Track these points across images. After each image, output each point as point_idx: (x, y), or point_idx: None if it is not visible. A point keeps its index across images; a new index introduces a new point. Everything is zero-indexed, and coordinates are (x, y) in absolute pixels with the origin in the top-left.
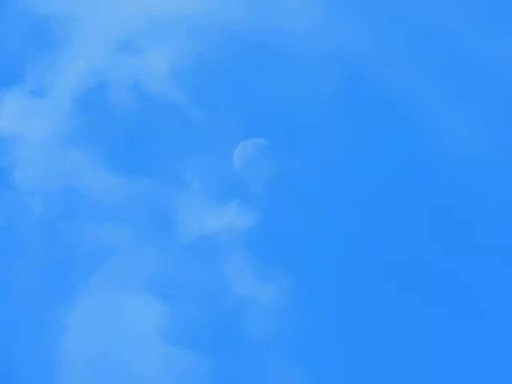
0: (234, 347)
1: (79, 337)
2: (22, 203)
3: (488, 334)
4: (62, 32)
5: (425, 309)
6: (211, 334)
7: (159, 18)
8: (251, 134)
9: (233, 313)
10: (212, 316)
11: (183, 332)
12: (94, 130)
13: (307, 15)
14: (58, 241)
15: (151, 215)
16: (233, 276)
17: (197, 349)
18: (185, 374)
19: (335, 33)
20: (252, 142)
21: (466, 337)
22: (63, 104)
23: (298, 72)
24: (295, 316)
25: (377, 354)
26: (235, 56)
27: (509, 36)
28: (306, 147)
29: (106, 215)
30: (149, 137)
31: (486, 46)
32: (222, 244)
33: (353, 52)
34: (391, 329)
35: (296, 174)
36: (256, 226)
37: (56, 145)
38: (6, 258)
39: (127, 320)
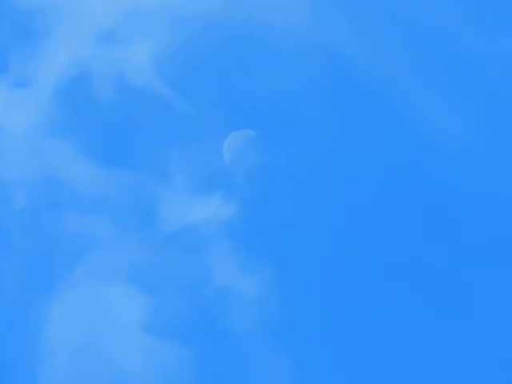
0: (216, 338)
1: (62, 328)
2: (5, 194)
3: (485, 334)
4: (44, 23)
5: (410, 296)
6: (194, 325)
7: (142, 8)
8: (235, 125)
9: (216, 304)
10: (195, 307)
11: (166, 323)
12: (77, 121)
13: (292, 6)
14: (41, 232)
15: (134, 206)
16: (216, 267)
17: (179, 340)
18: (167, 365)
19: (320, 24)
20: (241, 133)
21: (459, 337)
22: (46, 95)
23: (282, 63)
24: (278, 307)
25: (361, 345)
26: (219, 47)
27: (501, 30)
28: (291, 139)
29: (89, 207)
30: (132, 128)
31: (476, 38)
32: (205, 235)
33: (338, 43)
34: (375, 318)
35: (281, 166)
36: (239, 218)
37: (39, 136)
38: None
39: (110, 311)
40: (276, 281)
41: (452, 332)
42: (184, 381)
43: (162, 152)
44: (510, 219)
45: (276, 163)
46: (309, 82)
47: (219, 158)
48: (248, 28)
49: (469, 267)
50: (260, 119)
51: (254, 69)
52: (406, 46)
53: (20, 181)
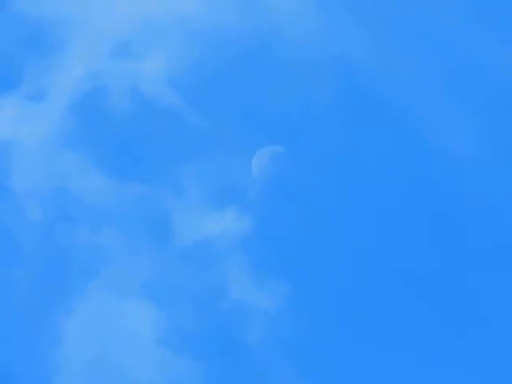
0: (229, 352)
1: (76, 341)
2: (19, 206)
3: (489, 337)
4: (58, 36)
5: (423, 315)
6: (207, 339)
7: (156, 21)
8: (249, 138)
9: (229, 318)
10: (208, 321)
11: (179, 337)
12: (91, 134)
13: (304, 19)
14: (55, 245)
15: (148, 220)
16: (230, 281)
17: (193, 354)
18: (181, 379)
19: (333, 36)
20: (268, 149)
21: (465, 340)
22: (60, 108)
23: (295, 75)
24: (291, 321)
25: (371, 359)
26: (232, 60)
27: (506, 39)
28: (304, 152)
29: (102, 220)
30: (146, 141)
31: (482, 48)
32: (219, 250)
33: (348, 53)
34: (386, 334)
35: (295, 181)
36: (253, 232)
37: (53, 149)
38: (2, 263)
39: (124, 325)
40: (289, 294)
41: (458, 335)
42: None
43: (175, 165)
44: None
45: (288, 177)
46: (321, 93)
47: (233, 172)
48: (260, 40)
49: (473, 271)
50: (274, 131)
51: (267, 81)
52: (414, 55)
53: (33, 193)
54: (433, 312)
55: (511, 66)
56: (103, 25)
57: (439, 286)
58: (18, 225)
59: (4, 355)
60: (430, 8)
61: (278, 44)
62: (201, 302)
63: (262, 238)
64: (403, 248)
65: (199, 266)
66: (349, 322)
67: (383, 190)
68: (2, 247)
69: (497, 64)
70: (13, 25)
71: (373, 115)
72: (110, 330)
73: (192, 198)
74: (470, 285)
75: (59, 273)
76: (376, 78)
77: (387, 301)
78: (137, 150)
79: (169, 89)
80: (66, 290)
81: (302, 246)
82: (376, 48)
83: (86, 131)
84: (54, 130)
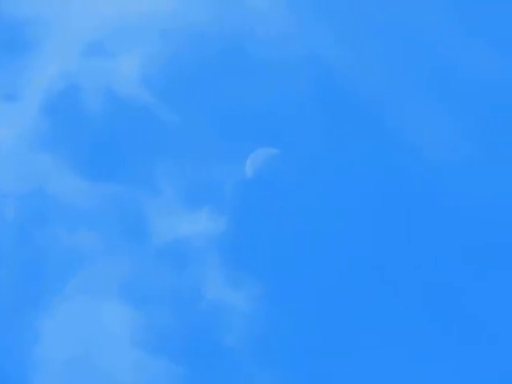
0: (206, 353)
1: (53, 343)
2: None
3: (479, 337)
4: (32, 36)
5: (407, 315)
6: (184, 339)
7: (130, 20)
8: (224, 137)
9: (206, 319)
10: (185, 322)
11: (156, 338)
12: (66, 134)
13: (279, 17)
14: (31, 246)
15: (124, 220)
16: (206, 282)
17: (169, 355)
18: (157, 380)
19: (307, 34)
20: (263, 151)
21: (450, 338)
22: (34, 108)
23: (270, 74)
24: (269, 322)
25: (353, 359)
26: (207, 59)
27: (488, 39)
28: (280, 151)
29: (78, 220)
30: (121, 141)
31: (464, 48)
32: (195, 250)
33: (324, 53)
34: (367, 332)
35: (270, 180)
36: (229, 232)
37: (27, 149)
38: None
39: (100, 326)
40: (266, 295)
41: (445, 334)
42: None
43: (151, 165)
44: (501, 224)
45: (267, 177)
46: (297, 92)
47: (209, 171)
48: (235, 40)
49: (455, 270)
50: (249, 130)
51: (242, 80)
52: (393, 56)
53: (8, 194)
54: (417, 312)
55: (494, 67)
56: (77, 24)
57: (421, 286)
58: None
59: None
60: (409, 6)
61: (254, 44)
62: (177, 303)
63: (239, 238)
64: (384, 248)
65: (176, 266)
66: (328, 321)
67: (365, 191)
68: None
69: (479, 64)
70: None
71: (352, 116)
72: (87, 330)
73: (169, 197)
74: (456, 284)
75: (36, 274)
76: (355, 78)
77: (368, 300)
78: (112, 149)
79: (144, 88)
80: (42, 291)
81: (279, 246)
82: (355, 48)
83: (61, 131)
84: (28, 130)
